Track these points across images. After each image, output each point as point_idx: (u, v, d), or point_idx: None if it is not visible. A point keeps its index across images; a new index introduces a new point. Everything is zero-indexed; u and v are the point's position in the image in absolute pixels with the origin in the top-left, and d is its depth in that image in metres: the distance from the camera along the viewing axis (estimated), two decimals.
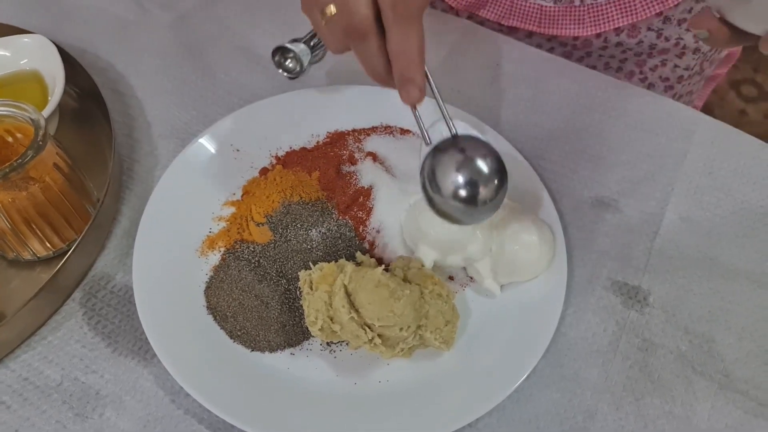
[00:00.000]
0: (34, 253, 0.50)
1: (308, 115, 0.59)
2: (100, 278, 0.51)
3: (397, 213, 0.52)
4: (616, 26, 0.67)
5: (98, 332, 0.48)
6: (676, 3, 0.65)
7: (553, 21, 0.68)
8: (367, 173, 0.54)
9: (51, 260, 0.51)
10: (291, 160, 0.56)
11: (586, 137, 0.61)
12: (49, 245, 0.50)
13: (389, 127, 0.59)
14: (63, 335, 0.48)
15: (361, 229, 0.51)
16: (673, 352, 0.49)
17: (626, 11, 0.66)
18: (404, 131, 0.59)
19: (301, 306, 0.48)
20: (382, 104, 0.60)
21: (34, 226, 0.48)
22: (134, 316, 0.48)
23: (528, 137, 0.60)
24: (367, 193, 0.53)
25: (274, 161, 0.56)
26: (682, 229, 0.55)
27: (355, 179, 0.53)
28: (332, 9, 0.42)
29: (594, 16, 0.67)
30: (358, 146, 0.56)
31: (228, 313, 0.48)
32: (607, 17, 0.67)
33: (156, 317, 0.46)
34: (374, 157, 0.55)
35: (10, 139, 0.49)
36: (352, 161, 0.55)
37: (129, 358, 0.47)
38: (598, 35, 0.69)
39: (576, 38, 0.69)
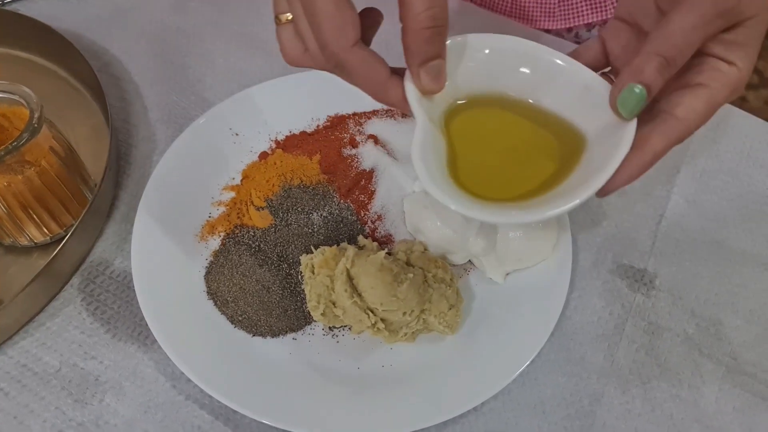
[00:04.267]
0: (30, 238, 0.49)
1: (308, 98, 0.58)
2: (98, 264, 0.50)
3: (400, 196, 0.51)
4: (587, 22, 0.68)
5: (97, 318, 0.48)
6: None
7: (525, 12, 0.68)
8: (368, 156, 0.53)
9: (48, 246, 0.50)
10: (291, 143, 0.55)
11: None
12: (46, 230, 0.49)
13: (390, 110, 0.58)
14: (61, 321, 0.48)
15: (362, 213, 0.51)
16: (680, 336, 0.48)
17: (596, 8, 0.67)
18: (405, 114, 0.58)
19: (303, 290, 0.47)
20: None
21: (30, 211, 0.47)
22: (133, 302, 0.48)
23: None
24: (368, 176, 0.52)
25: (274, 145, 0.55)
26: (688, 212, 0.54)
27: (357, 162, 0.53)
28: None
29: (564, 10, 0.68)
30: (359, 129, 0.55)
31: (229, 298, 0.47)
32: (578, 12, 0.67)
33: (156, 303, 0.46)
34: (376, 140, 0.54)
35: (4, 123, 0.48)
36: (354, 144, 0.54)
37: (128, 344, 0.47)
38: (569, 29, 0.70)
39: (548, 31, 0.69)
